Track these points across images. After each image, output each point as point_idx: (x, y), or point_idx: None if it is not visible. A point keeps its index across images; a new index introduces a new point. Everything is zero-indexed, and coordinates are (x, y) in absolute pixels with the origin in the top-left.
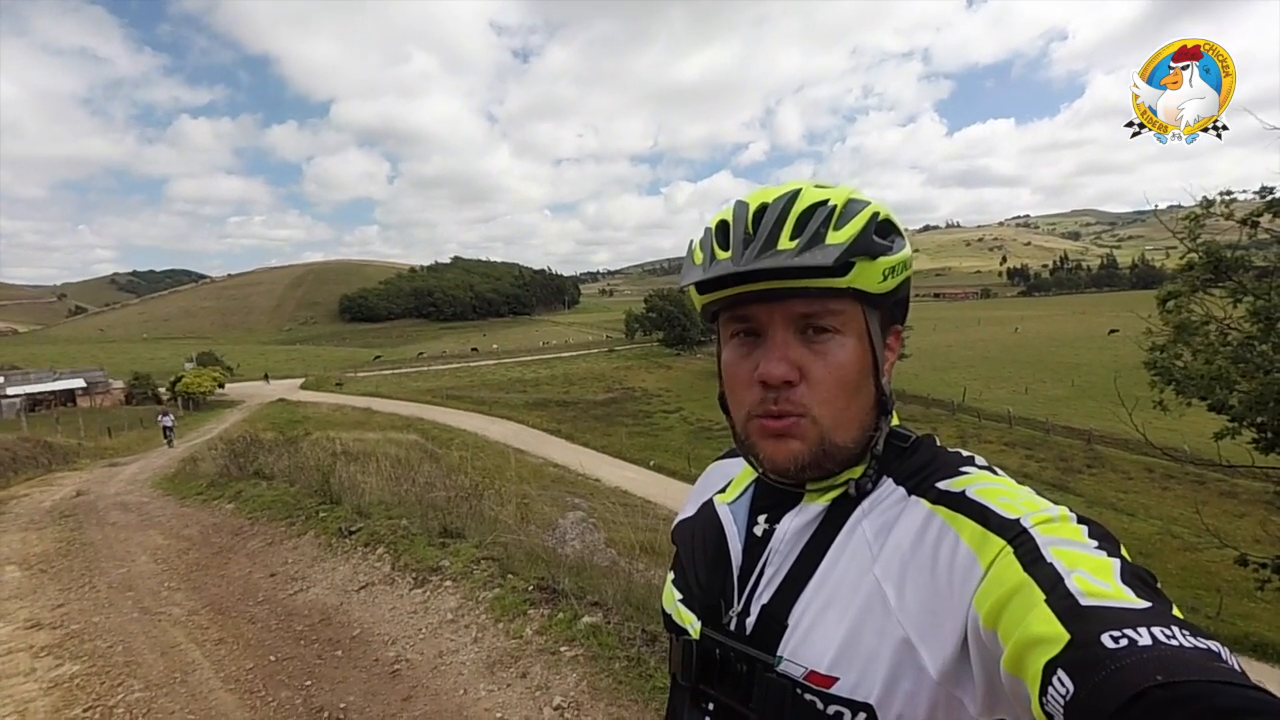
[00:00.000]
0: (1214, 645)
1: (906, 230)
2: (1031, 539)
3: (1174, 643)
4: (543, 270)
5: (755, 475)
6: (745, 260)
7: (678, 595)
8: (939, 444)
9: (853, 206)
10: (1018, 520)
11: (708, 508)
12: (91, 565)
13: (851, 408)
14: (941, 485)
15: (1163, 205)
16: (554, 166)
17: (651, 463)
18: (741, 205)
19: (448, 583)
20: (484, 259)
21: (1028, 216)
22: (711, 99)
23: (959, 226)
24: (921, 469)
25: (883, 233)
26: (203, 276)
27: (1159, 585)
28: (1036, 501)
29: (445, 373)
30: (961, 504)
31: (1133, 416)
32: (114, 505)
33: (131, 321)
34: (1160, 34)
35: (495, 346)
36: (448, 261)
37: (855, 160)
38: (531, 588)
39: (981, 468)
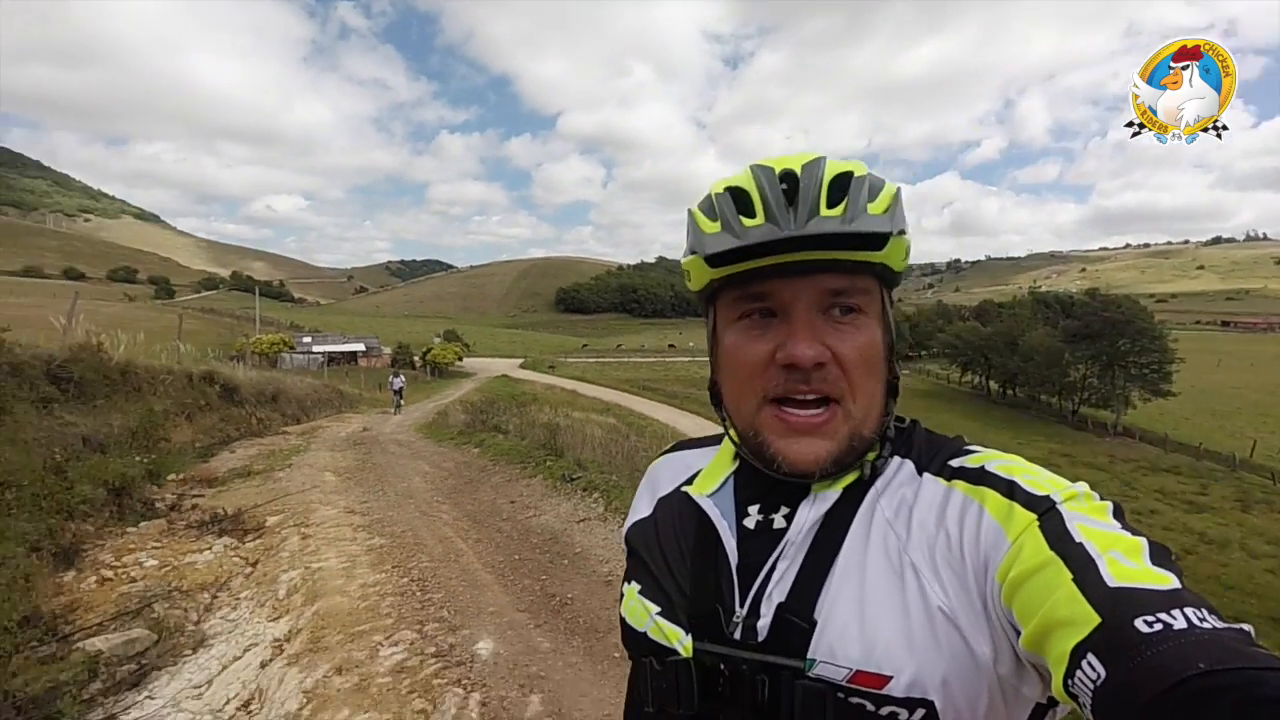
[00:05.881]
0: (1244, 626)
1: (1191, 243)
2: (1059, 515)
3: (1207, 625)
4: None
5: (734, 462)
6: (796, 225)
7: (654, 608)
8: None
9: (876, 180)
10: (1047, 496)
11: (673, 502)
12: (382, 479)
13: (877, 392)
14: (954, 463)
15: None
16: None
17: None
18: (764, 170)
19: None
20: None
21: None
22: (937, 93)
23: (1265, 239)
24: (925, 447)
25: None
26: (450, 266)
27: (1175, 559)
28: (1060, 480)
29: (643, 365)
30: (983, 478)
31: None
32: (390, 441)
33: (397, 301)
34: None
35: (691, 344)
36: (652, 261)
37: (1118, 158)
38: None
39: (984, 447)
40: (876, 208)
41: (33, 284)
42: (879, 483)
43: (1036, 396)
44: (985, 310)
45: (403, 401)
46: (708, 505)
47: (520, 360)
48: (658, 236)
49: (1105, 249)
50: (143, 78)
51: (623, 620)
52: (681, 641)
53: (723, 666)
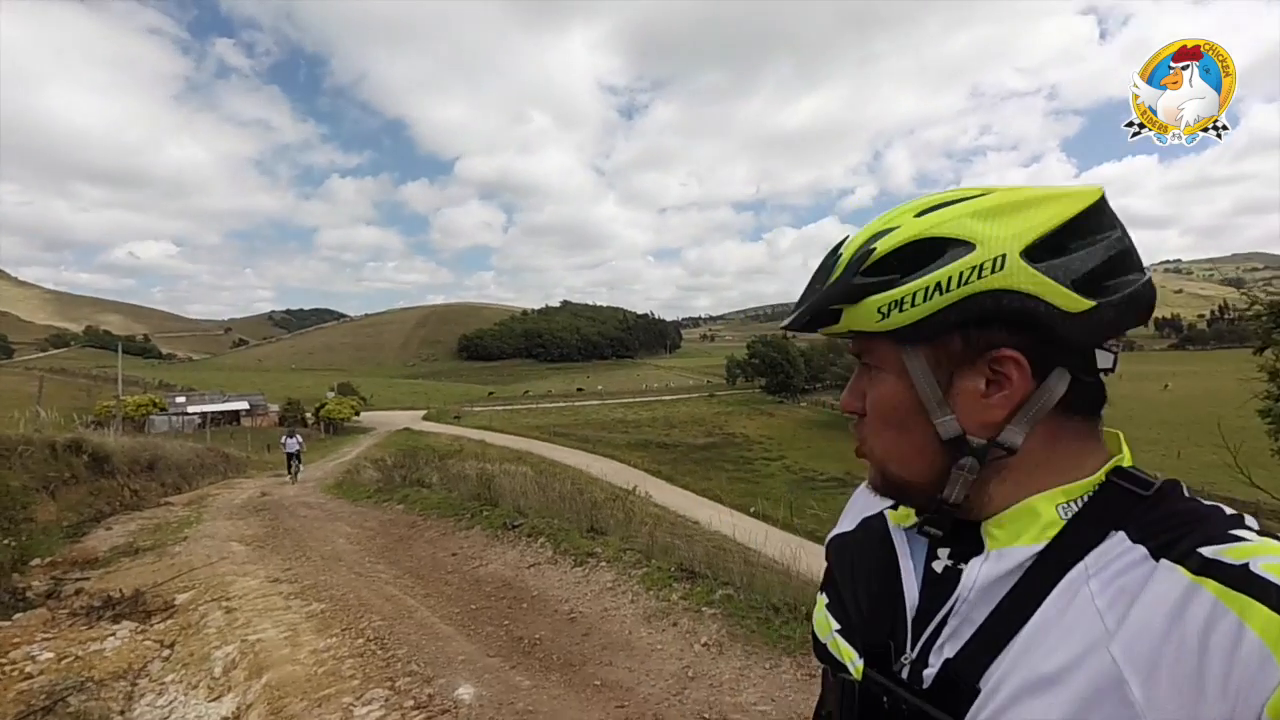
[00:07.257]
0: None
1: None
2: None
3: None
4: (646, 315)
5: None
6: (795, 308)
7: (834, 624)
8: (1188, 492)
9: (866, 247)
10: None
11: (874, 525)
12: (301, 544)
13: (900, 443)
14: (1208, 552)
15: None
16: (658, 214)
17: (752, 510)
18: (838, 243)
19: (602, 564)
20: (590, 303)
21: (1178, 261)
22: (817, 144)
23: None
24: (1172, 526)
25: (880, 269)
26: (342, 315)
27: None
28: None
29: (552, 411)
30: (1245, 582)
31: None
32: (298, 504)
33: (284, 353)
34: None
35: (599, 387)
36: (557, 305)
37: None
38: (673, 568)
39: (1261, 533)
40: (827, 286)
41: None
42: (1090, 559)
43: None
44: None
45: (301, 464)
46: (899, 538)
47: (423, 412)
48: (562, 280)
49: None
50: None
51: (812, 625)
52: (854, 663)
53: (885, 700)
